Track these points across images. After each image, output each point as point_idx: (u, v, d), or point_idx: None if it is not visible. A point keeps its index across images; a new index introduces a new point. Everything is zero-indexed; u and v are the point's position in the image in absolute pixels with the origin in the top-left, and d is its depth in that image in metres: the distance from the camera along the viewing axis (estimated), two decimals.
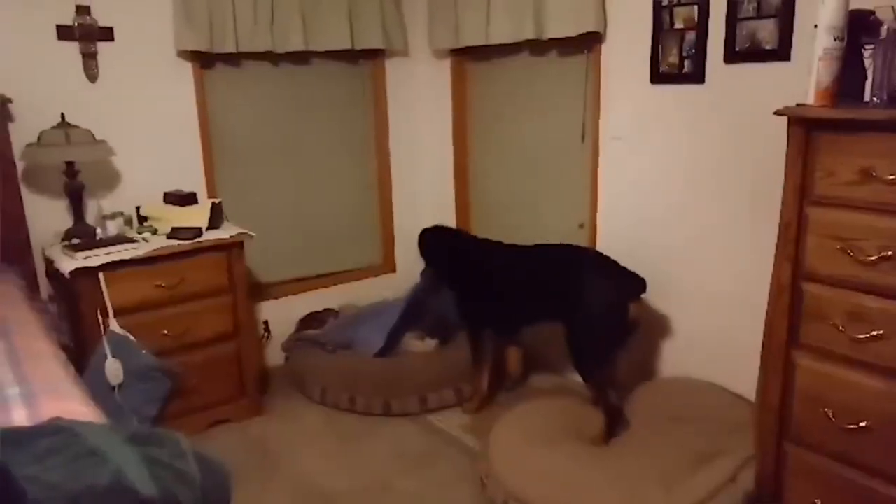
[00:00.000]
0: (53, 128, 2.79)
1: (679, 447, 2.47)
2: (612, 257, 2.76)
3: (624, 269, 2.69)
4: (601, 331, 2.66)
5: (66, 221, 2.96)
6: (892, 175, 1.71)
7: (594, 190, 3.16)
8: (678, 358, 2.96)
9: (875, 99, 1.80)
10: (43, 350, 2.03)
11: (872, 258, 1.77)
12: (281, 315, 3.71)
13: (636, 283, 2.66)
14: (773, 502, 2.15)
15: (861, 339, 1.83)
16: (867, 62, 1.85)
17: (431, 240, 3.25)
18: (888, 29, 1.77)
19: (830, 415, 1.93)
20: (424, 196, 4.12)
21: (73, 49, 2.94)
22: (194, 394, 2.99)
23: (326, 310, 3.75)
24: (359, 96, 3.87)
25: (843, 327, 1.87)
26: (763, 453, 2.14)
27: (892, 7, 1.79)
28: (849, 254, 1.82)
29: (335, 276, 3.94)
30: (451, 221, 4.01)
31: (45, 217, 2.96)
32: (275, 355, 3.71)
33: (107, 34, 3.00)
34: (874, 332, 1.81)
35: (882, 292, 1.78)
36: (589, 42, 3.02)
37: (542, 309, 2.85)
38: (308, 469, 2.80)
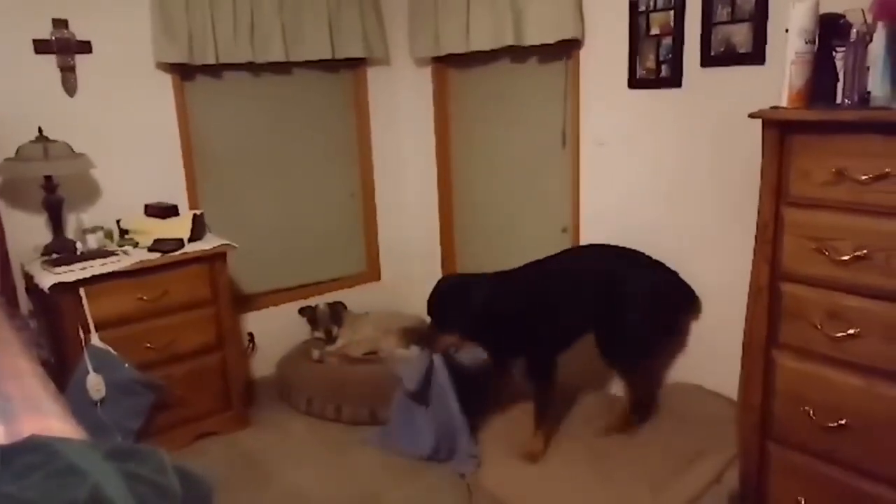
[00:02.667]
0: (31, 142, 2.77)
1: (666, 449, 2.49)
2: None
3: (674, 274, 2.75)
4: (647, 320, 2.65)
5: (46, 236, 2.94)
6: (864, 175, 1.74)
7: (576, 194, 3.18)
8: (666, 361, 2.97)
9: (846, 100, 1.83)
10: (22, 367, 2.01)
11: (847, 257, 1.80)
12: (266, 326, 3.70)
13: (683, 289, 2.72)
14: (756, 501, 2.16)
15: (839, 337, 1.85)
16: (838, 65, 1.88)
17: (468, 313, 2.59)
18: (858, 32, 1.80)
19: (811, 413, 1.95)
20: (408, 203, 4.12)
21: (50, 62, 2.92)
22: (179, 407, 2.97)
23: (337, 302, 3.72)
24: (341, 105, 3.88)
25: (821, 326, 1.89)
26: (746, 453, 2.16)
27: (862, 10, 1.82)
28: (824, 253, 1.84)
29: (320, 285, 3.93)
30: (434, 227, 4.02)
31: (24, 232, 2.93)
32: (260, 366, 3.69)
33: (85, 47, 2.98)
34: (851, 331, 1.83)
35: (858, 291, 1.80)
36: (568, 48, 3.05)
37: (594, 314, 2.71)
38: (296, 481, 2.79)
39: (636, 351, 2.71)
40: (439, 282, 2.77)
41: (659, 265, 2.75)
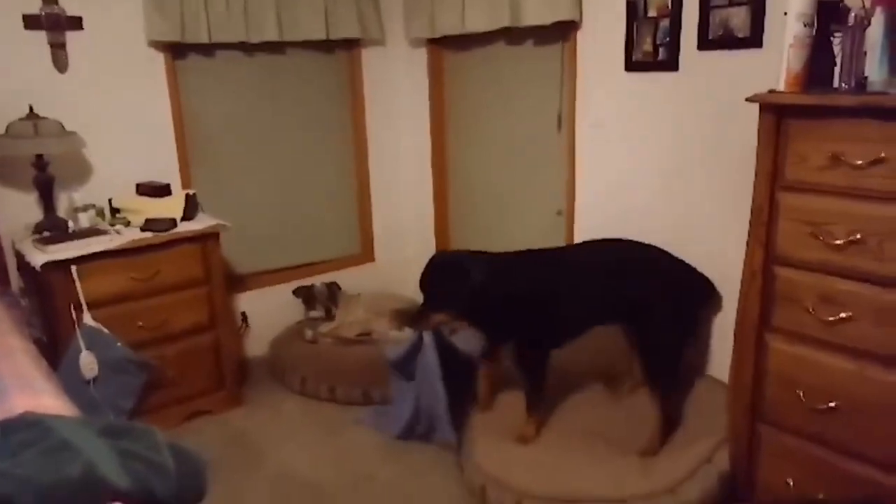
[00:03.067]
0: (21, 119, 2.74)
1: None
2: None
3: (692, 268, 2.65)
4: (673, 334, 2.52)
5: (37, 214, 2.92)
6: (860, 160, 1.74)
7: (571, 177, 3.17)
8: None
9: (843, 85, 1.82)
10: (14, 345, 2.01)
11: (841, 242, 1.81)
12: (259, 306, 3.69)
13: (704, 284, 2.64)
14: (746, 482, 2.19)
15: (831, 321, 1.87)
16: (836, 49, 1.88)
17: (463, 291, 2.44)
18: (856, 16, 1.79)
19: (801, 396, 1.97)
20: (402, 185, 4.11)
21: (40, 39, 2.88)
22: (172, 386, 2.97)
23: (332, 283, 3.73)
24: (335, 86, 3.85)
25: (813, 310, 1.90)
26: (736, 434, 2.18)
27: None
28: (819, 238, 1.85)
29: (313, 266, 3.92)
30: (428, 209, 4.01)
31: (15, 210, 2.91)
32: (253, 346, 3.69)
33: (75, 24, 2.94)
34: (843, 315, 1.84)
35: (851, 275, 1.82)
36: (564, 30, 3.02)
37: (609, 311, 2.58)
38: (289, 460, 2.80)
39: (671, 360, 2.56)
40: (434, 257, 2.66)
41: (676, 260, 2.66)
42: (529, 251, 2.67)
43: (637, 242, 2.70)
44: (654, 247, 2.68)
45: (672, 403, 2.54)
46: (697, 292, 2.67)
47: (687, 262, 2.66)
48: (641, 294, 2.49)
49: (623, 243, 2.72)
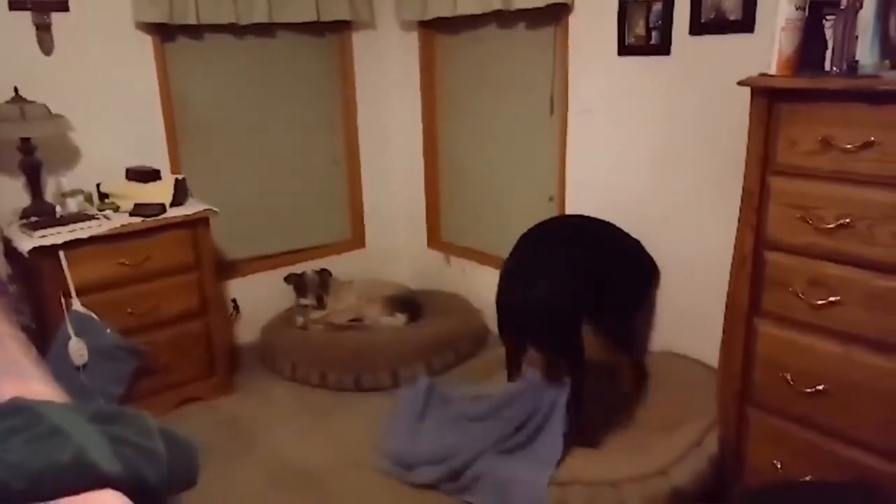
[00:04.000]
0: (7, 102, 2.70)
1: (646, 415, 2.52)
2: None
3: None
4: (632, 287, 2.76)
5: (24, 199, 2.88)
6: (849, 144, 1.74)
7: (563, 163, 3.16)
8: (650, 331, 3.00)
9: (835, 68, 1.82)
10: (3, 332, 1.99)
11: (830, 226, 1.82)
12: (250, 292, 3.68)
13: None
14: (735, 464, 2.21)
15: (820, 304, 1.88)
16: (828, 32, 1.87)
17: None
18: None
19: (790, 379, 1.98)
20: (393, 170, 4.09)
21: (25, 20, 2.84)
22: (163, 372, 2.96)
23: (323, 270, 3.72)
24: (325, 70, 3.81)
25: (803, 294, 1.91)
26: (725, 418, 2.20)
27: None
28: (808, 222, 1.86)
29: (304, 252, 3.91)
30: (419, 195, 4.00)
31: (2, 195, 2.87)
32: (244, 333, 3.68)
33: (61, 5, 2.89)
34: (832, 298, 1.85)
35: (840, 259, 1.83)
36: (557, 13, 3.00)
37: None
38: (280, 446, 2.80)
39: (629, 319, 2.80)
40: (527, 292, 2.46)
41: (625, 234, 2.83)
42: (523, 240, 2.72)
43: (592, 218, 2.87)
44: (607, 221, 2.84)
45: (637, 354, 2.75)
46: (647, 264, 2.85)
47: (638, 238, 2.83)
48: (605, 259, 2.69)
49: (578, 217, 2.93)
